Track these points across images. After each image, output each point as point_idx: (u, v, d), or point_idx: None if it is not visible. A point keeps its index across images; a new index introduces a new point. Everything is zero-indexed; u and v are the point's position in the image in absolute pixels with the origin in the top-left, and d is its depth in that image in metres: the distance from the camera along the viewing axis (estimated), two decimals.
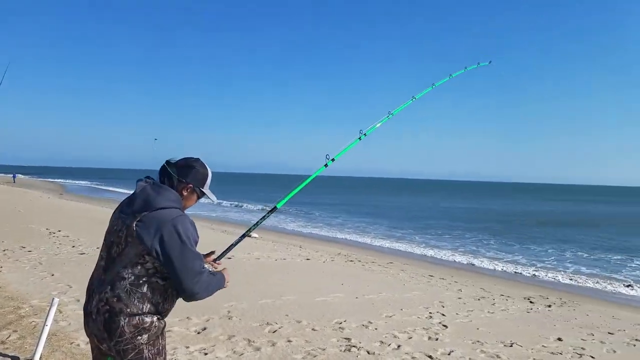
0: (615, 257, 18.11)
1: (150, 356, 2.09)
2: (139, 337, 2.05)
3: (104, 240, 2.19)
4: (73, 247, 10.17)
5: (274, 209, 3.15)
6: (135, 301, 2.05)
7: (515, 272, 14.54)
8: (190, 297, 2.11)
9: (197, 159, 2.32)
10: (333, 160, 3.68)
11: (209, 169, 2.35)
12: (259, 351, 4.71)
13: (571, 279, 13.75)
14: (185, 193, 2.25)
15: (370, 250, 17.18)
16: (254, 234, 17.57)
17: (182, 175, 2.23)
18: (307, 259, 12.04)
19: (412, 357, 5.02)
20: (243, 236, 2.90)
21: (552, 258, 17.52)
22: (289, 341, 5.13)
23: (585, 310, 9.07)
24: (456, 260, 16.26)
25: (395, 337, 5.69)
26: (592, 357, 5.72)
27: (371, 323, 6.21)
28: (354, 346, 5.15)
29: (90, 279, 2.21)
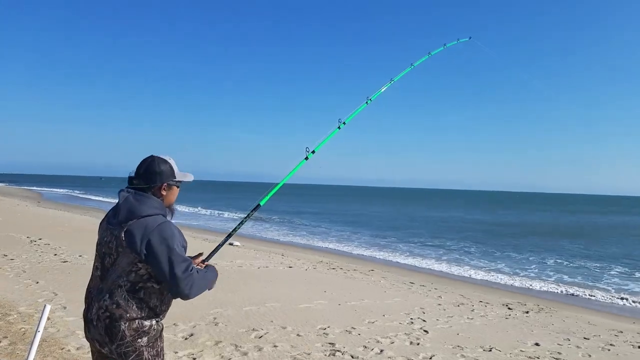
0: (594, 265, 18.59)
1: (150, 357, 2.21)
2: (139, 340, 2.17)
3: (97, 251, 2.29)
4: (55, 255, 10.08)
5: (257, 207, 3.16)
6: (134, 306, 2.16)
7: (494, 280, 14.88)
8: (184, 297, 2.21)
9: (152, 158, 2.32)
10: (313, 152, 3.59)
11: (167, 158, 2.35)
12: (246, 356, 4.82)
13: (549, 286, 14.13)
14: (164, 192, 2.32)
15: (351, 258, 17.35)
16: (235, 242, 17.56)
17: (151, 181, 2.28)
18: (290, 267, 12.14)
19: None
20: (229, 236, 2.96)
21: (533, 266, 17.85)
22: (275, 346, 5.24)
23: (562, 316, 9.38)
24: (436, 268, 16.53)
25: (378, 342, 5.85)
26: None
27: (354, 329, 6.37)
28: (338, 351, 5.29)
29: (87, 288, 2.31)
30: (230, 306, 6.92)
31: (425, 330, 6.70)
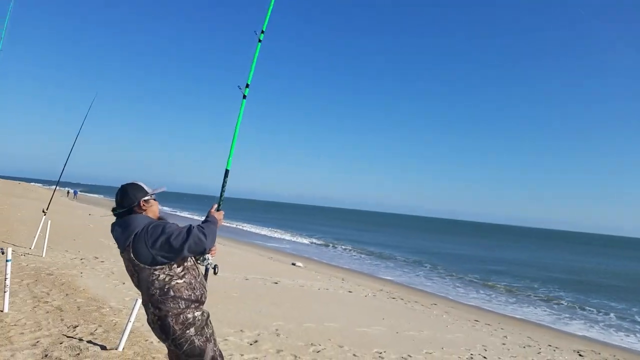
0: None
1: (201, 344, 2.60)
2: (187, 331, 2.58)
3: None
4: None
5: (227, 172, 3.32)
6: (171, 304, 2.56)
7: (567, 325, 13.96)
8: (202, 252, 2.57)
9: (122, 187, 2.71)
10: (247, 86, 3.40)
11: (134, 181, 2.74)
12: None
13: (631, 339, 13.00)
14: (145, 208, 2.71)
15: (413, 290, 17.10)
16: (298, 263, 17.96)
17: (131, 203, 2.66)
18: (349, 292, 12.31)
19: None
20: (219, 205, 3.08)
21: (628, 320, 16.32)
22: None
23: None
24: (507, 310, 15.74)
25: None
26: None
27: (410, 357, 6.43)
28: None
29: (141, 302, 2.78)
30: (291, 321, 7.27)
31: None
